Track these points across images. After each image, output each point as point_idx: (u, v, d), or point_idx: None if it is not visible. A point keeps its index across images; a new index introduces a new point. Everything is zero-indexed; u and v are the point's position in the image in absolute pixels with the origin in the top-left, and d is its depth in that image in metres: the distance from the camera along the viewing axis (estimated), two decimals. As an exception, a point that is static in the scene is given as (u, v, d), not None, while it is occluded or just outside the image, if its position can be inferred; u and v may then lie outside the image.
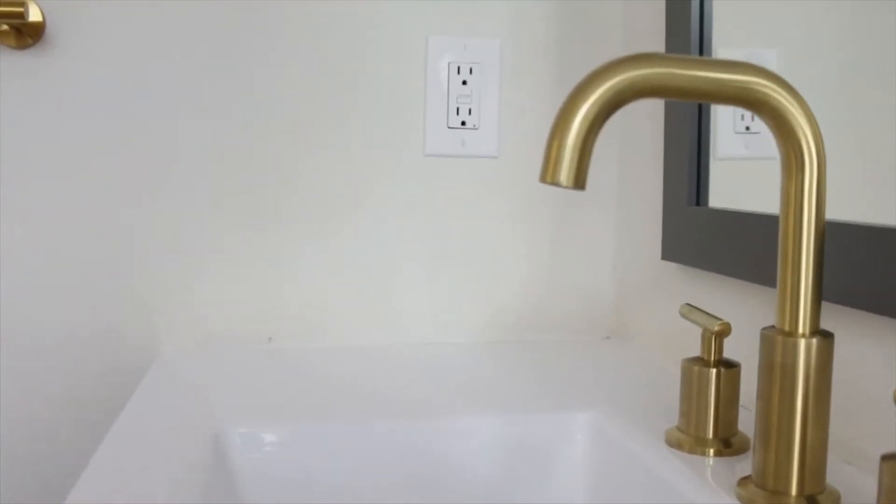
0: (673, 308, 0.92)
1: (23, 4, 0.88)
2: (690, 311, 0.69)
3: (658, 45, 0.94)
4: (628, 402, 0.76)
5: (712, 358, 0.66)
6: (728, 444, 0.64)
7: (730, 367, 0.65)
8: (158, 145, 0.94)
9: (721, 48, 0.82)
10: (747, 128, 0.79)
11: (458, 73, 0.98)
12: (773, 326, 0.53)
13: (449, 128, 0.99)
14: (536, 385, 0.83)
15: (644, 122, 0.98)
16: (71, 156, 0.92)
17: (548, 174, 0.50)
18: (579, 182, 0.50)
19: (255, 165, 0.96)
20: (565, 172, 0.49)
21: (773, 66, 0.78)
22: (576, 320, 1.05)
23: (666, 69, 0.50)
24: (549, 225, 1.03)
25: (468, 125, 0.99)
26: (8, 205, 0.92)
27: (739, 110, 0.78)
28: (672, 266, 0.91)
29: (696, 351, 0.85)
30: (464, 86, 0.99)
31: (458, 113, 0.99)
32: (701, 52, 0.84)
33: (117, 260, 0.94)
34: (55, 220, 0.93)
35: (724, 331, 0.65)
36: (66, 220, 0.93)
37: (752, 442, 0.62)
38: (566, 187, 0.49)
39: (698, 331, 0.85)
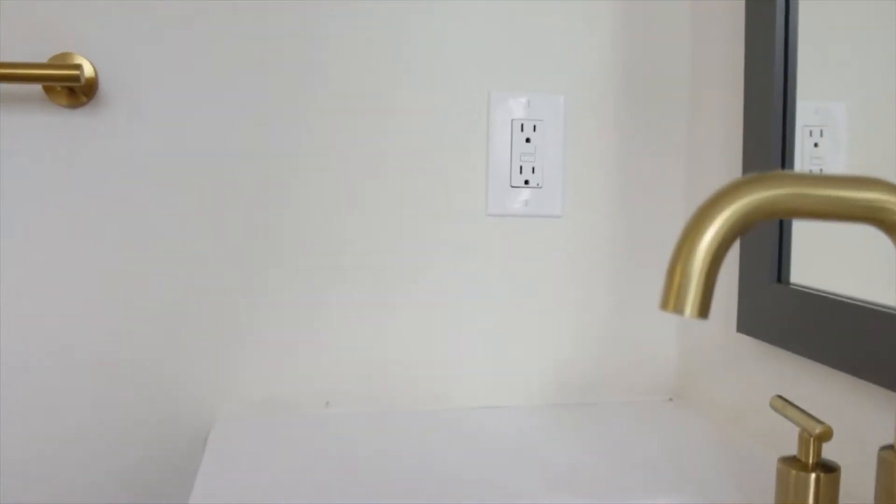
0: (743, 379, 0.89)
1: (77, 67, 0.86)
2: (784, 406, 0.66)
3: (729, 99, 0.91)
4: (712, 486, 0.74)
5: (810, 461, 0.63)
6: (831, 556, 0.61)
7: (830, 471, 0.62)
8: (209, 206, 0.92)
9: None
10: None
11: (522, 130, 0.96)
12: (892, 447, 0.51)
13: (512, 187, 0.96)
14: (608, 460, 0.80)
15: (718, 180, 0.95)
16: (122, 218, 0.90)
17: (670, 303, 0.47)
18: (703, 312, 0.47)
19: (311, 226, 0.94)
20: (690, 303, 0.46)
21: (841, 119, 0.75)
22: (637, 381, 1.02)
23: (793, 190, 0.48)
24: (611, 284, 1.00)
25: (531, 184, 0.96)
26: (58, 267, 0.90)
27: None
28: (745, 338, 0.88)
29: (765, 425, 0.82)
30: (527, 143, 0.96)
31: (521, 171, 0.96)
32: (784, 107, 0.81)
33: (174, 323, 0.92)
34: (107, 283, 0.91)
35: (825, 435, 0.62)
36: (118, 284, 0.91)
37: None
38: (689, 317, 0.47)
39: (758, 399, 0.82)
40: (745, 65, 0.85)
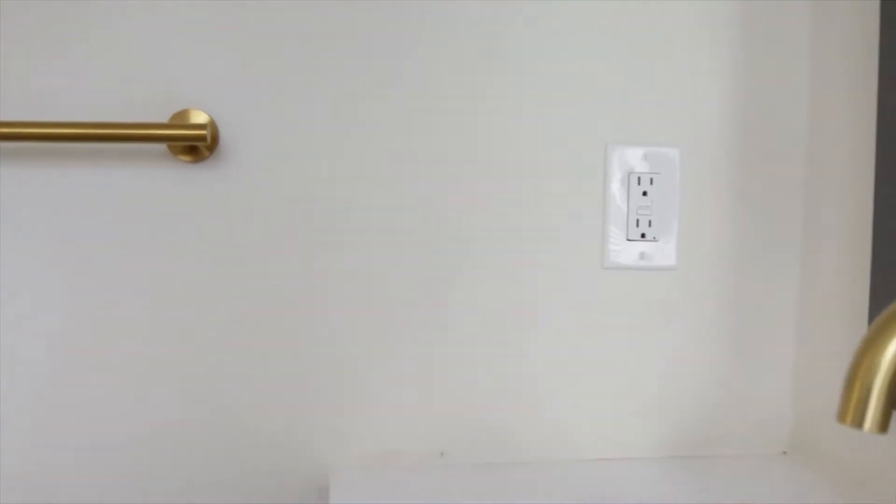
0: (864, 434, 0.87)
1: (204, 127, 0.88)
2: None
3: (852, 154, 0.88)
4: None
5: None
6: None
7: None
8: (327, 260, 0.93)
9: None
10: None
11: (639, 183, 0.95)
12: None
13: (628, 240, 0.95)
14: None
15: (838, 236, 0.93)
16: (243, 269, 0.93)
17: (847, 416, 0.46)
18: (883, 427, 0.46)
19: (422, 279, 0.95)
20: (870, 418, 0.46)
21: None
22: (751, 433, 1.01)
23: (977, 300, 0.46)
24: (726, 336, 0.99)
25: (648, 237, 0.96)
26: (182, 315, 0.92)
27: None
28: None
29: (880, 480, 0.80)
30: (644, 196, 0.95)
31: (637, 224, 0.95)
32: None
33: (292, 374, 0.94)
34: (226, 331, 0.93)
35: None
36: (237, 332, 0.93)
37: None
38: (868, 432, 0.46)
39: (887, 460, 0.80)
40: (878, 120, 0.83)
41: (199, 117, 0.93)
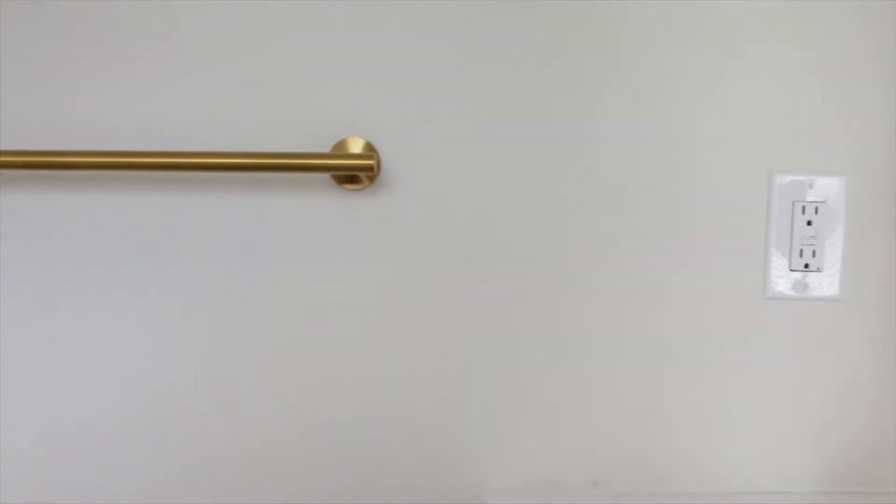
0: None
1: (371, 157, 0.89)
2: None
3: None
4: None
5: None
6: None
7: None
8: (492, 286, 0.93)
9: None
10: None
11: (803, 212, 0.93)
12: None
13: (791, 270, 0.93)
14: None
15: None
16: (406, 296, 0.93)
17: None
18: None
19: (589, 306, 0.94)
20: None
21: None
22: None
23: None
24: (892, 371, 0.96)
25: (811, 267, 0.93)
26: (350, 333, 0.93)
27: None
28: None
29: None
30: (808, 226, 0.93)
31: (801, 255, 0.93)
32: None
33: (447, 400, 0.94)
34: (392, 348, 0.94)
35: None
36: (395, 358, 0.94)
37: None
38: None
39: None
40: None
41: (358, 144, 0.93)
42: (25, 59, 0.89)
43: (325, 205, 0.93)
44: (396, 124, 0.92)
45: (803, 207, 0.93)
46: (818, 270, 0.94)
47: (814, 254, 0.93)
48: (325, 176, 0.93)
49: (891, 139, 0.94)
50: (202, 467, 0.94)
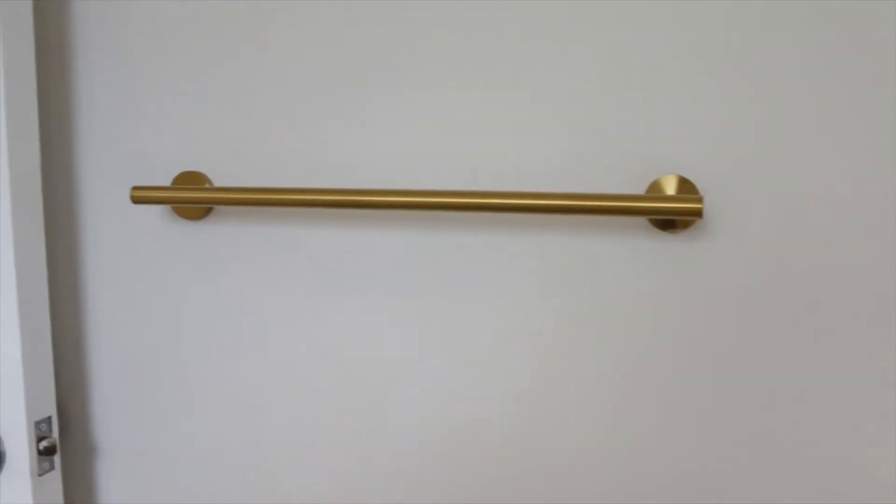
0: None
1: (700, 200, 0.77)
2: None
3: None
4: None
5: None
6: None
7: None
8: (802, 349, 0.80)
9: None
10: None
11: None
12: None
13: None
14: None
15: None
16: (714, 363, 0.83)
17: None
18: None
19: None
20: None
21: None
22: None
23: None
24: None
25: None
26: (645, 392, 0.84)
27: None
28: None
29: None
30: None
31: None
32: None
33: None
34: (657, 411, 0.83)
35: None
36: (685, 427, 0.83)
37: None
38: None
39: None
40: None
41: (671, 184, 0.83)
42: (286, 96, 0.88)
43: (639, 247, 0.84)
44: (720, 162, 0.81)
45: None
46: None
47: None
48: (642, 220, 0.85)
49: None
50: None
